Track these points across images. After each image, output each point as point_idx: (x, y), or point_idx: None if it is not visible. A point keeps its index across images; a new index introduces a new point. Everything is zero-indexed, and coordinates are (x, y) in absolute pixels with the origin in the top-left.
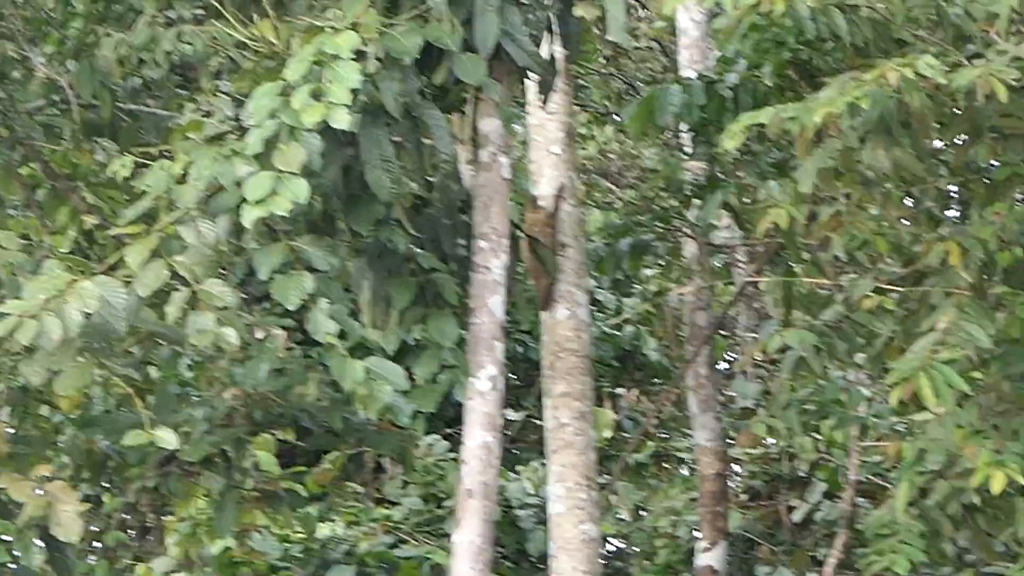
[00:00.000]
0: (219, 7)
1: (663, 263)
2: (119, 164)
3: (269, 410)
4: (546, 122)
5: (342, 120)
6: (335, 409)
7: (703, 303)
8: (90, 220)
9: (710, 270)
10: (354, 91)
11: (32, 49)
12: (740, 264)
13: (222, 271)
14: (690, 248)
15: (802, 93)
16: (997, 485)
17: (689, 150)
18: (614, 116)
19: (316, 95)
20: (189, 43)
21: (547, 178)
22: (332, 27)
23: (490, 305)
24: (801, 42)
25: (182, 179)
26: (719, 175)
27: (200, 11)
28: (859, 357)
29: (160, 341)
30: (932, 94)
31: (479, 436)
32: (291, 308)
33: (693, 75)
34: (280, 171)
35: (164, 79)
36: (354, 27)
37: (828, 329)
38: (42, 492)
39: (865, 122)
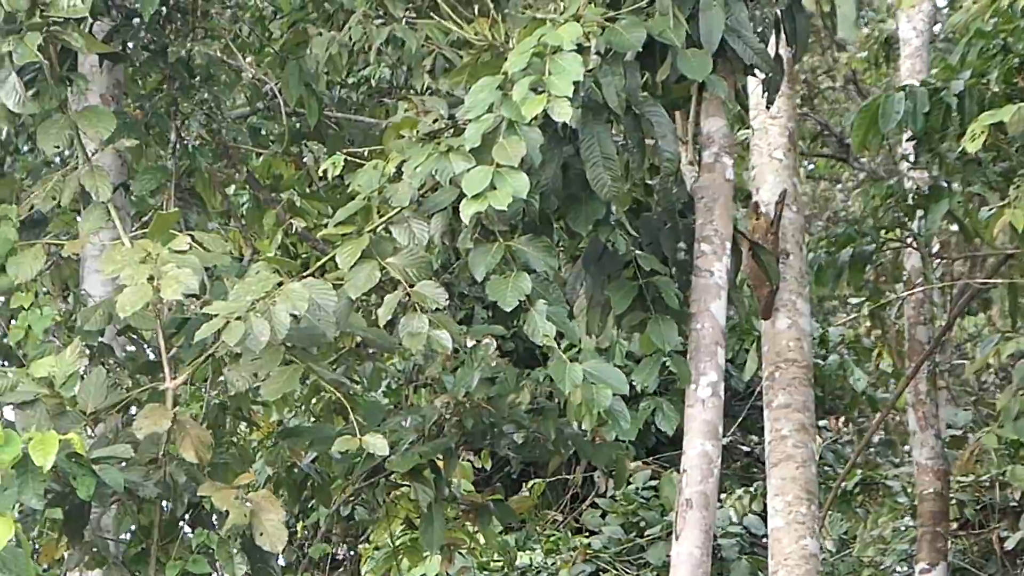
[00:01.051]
0: (436, 4)
1: (883, 275)
2: (330, 162)
3: (481, 419)
4: (769, 126)
5: (564, 113)
6: (548, 418)
7: (924, 317)
8: (298, 223)
9: (933, 282)
10: (575, 84)
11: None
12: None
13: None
14: (912, 260)
15: None
16: None
17: (912, 159)
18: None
19: (537, 88)
20: (402, 41)
21: (769, 184)
22: (553, 20)
23: (712, 310)
24: None
25: (395, 178)
26: (944, 184)
27: (412, 13)
28: None
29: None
30: None
31: (699, 444)
32: (508, 309)
33: (915, 84)
34: (499, 165)
35: (375, 79)
36: (576, 19)
37: None
38: (246, 502)
39: None
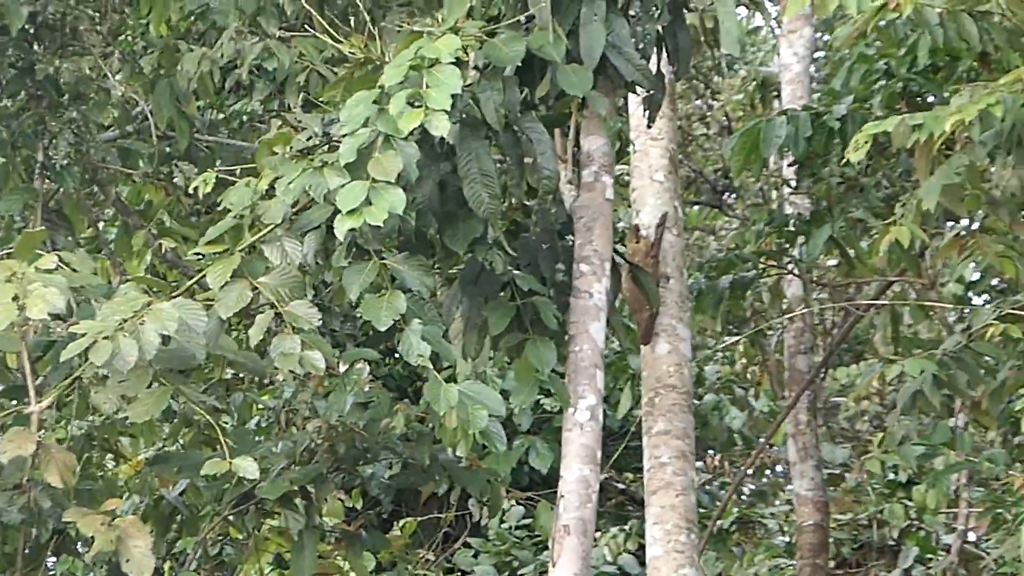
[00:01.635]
0: (312, 20)
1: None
2: (201, 179)
3: (353, 444)
4: (650, 148)
5: (442, 127)
6: (423, 443)
7: (804, 346)
8: (167, 243)
9: (814, 310)
10: (453, 98)
11: (108, 68)
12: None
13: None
14: (793, 288)
15: None
16: None
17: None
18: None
19: (414, 101)
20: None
21: (649, 206)
22: (431, 33)
23: (591, 332)
24: (913, 72)
25: (267, 195)
26: (826, 209)
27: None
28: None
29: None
30: None
31: (577, 469)
32: (382, 329)
33: (797, 109)
34: (375, 181)
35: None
36: (454, 32)
37: (949, 359)
38: (113, 528)
39: (996, 134)
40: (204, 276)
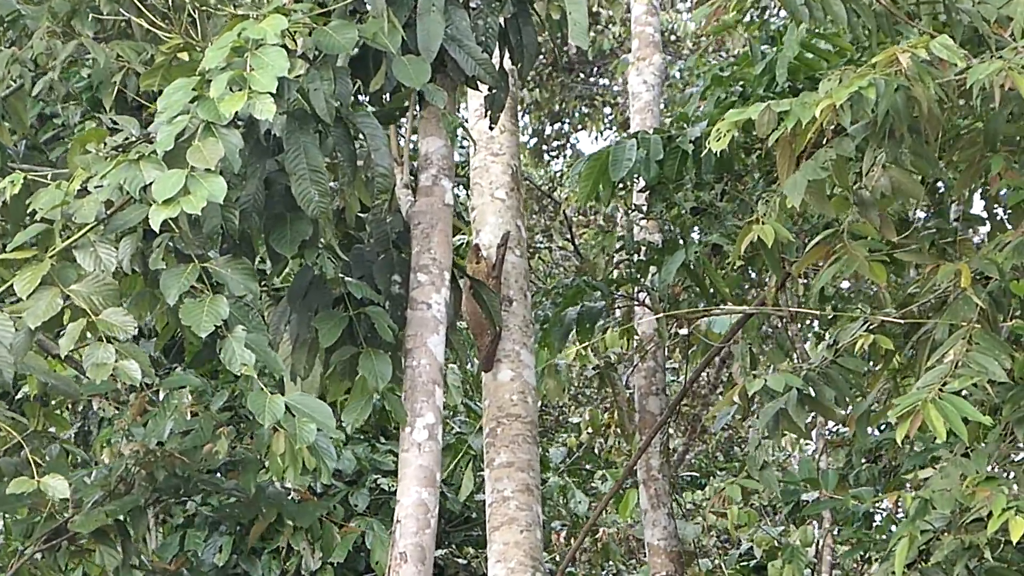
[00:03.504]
0: (131, 26)
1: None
2: (7, 181)
3: (173, 472)
4: (490, 164)
5: (267, 110)
6: (248, 471)
7: (656, 387)
8: None
9: (666, 345)
10: (280, 85)
11: None
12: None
13: None
14: (645, 322)
15: (770, 150)
16: (1017, 532)
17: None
18: None
19: (237, 85)
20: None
21: (491, 225)
22: (256, 15)
23: (429, 345)
24: (771, 93)
25: (81, 197)
26: (679, 236)
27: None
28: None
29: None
30: (941, 96)
31: (415, 492)
32: (202, 335)
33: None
34: (194, 169)
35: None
36: (283, 14)
37: (815, 375)
38: None
39: (866, 126)
40: (10, 285)
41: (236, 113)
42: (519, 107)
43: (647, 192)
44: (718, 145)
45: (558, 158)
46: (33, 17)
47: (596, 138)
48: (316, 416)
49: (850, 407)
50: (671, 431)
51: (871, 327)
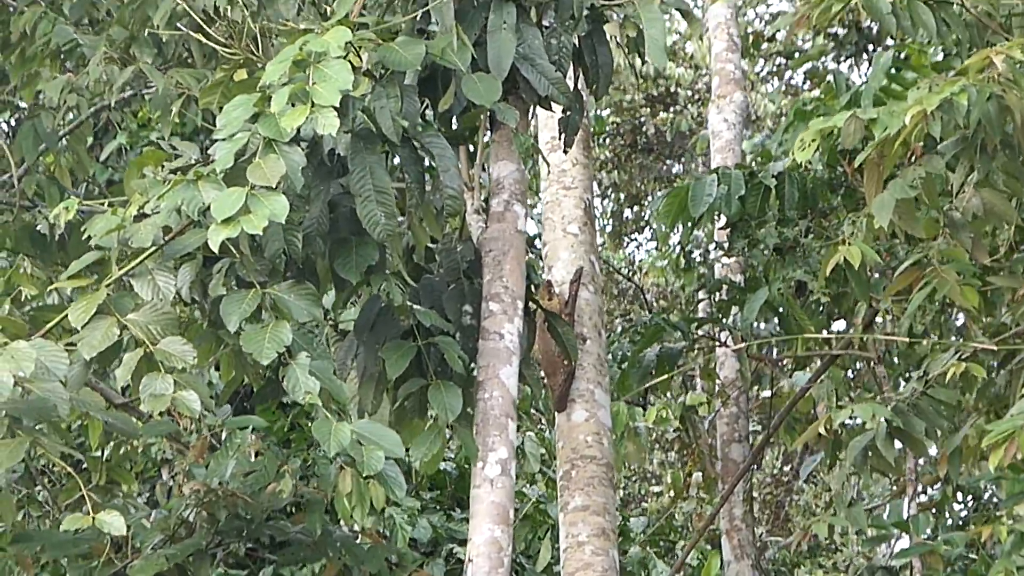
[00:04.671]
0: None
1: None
2: (61, 207)
3: (236, 513)
4: (562, 198)
5: (330, 125)
6: (313, 512)
7: (739, 434)
8: (29, 289)
9: (750, 389)
10: (344, 101)
11: None
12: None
13: None
14: (727, 366)
15: (855, 187)
16: None
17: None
18: None
19: (299, 99)
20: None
21: (563, 261)
22: (320, 27)
23: (502, 377)
24: None
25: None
26: (762, 274)
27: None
28: None
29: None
30: None
31: (487, 530)
32: (265, 362)
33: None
34: (254, 187)
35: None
36: (348, 28)
37: (904, 406)
38: None
39: (956, 142)
40: (66, 315)
41: (299, 133)
42: (596, 188)
43: (728, 229)
44: (803, 156)
45: (637, 243)
46: (91, 46)
47: None
48: (384, 443)
49: (941, 441)
50: (755, 515)
51: (963, 356)
